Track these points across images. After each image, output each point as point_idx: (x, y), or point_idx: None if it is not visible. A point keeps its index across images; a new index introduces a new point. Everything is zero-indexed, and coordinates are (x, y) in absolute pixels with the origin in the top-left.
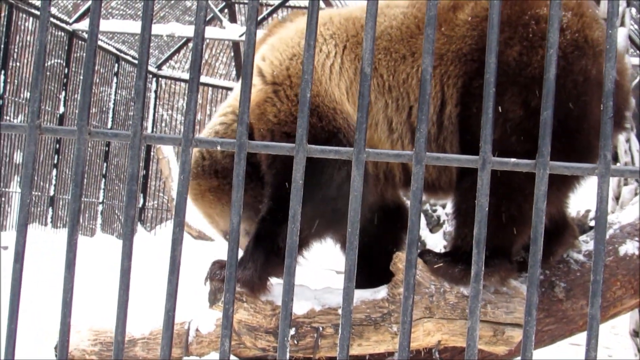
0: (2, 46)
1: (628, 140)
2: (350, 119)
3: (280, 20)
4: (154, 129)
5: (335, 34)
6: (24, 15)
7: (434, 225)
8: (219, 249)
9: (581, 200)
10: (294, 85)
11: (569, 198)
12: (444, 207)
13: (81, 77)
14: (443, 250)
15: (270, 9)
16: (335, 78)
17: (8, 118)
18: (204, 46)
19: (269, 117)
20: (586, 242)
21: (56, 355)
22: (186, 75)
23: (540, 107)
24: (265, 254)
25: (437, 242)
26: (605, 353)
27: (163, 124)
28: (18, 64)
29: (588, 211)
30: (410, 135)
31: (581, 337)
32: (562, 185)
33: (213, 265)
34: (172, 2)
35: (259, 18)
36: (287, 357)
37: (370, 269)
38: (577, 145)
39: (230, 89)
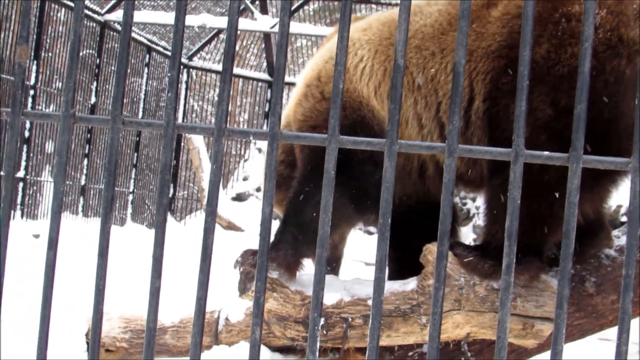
0: (35, 37)
1: None
2: (375, 111)
3: (333, 32)
4: (184, 120)
5: (371, 40)
6: (56, 6)
7: (464, 218)
8: (249, 240)
9: (613, 196)
10: (321, 84)
11: (603, 198)
12: (473, 200)
13: (112, 68)
14: (472, 243)
15: (302, 0)
16: (365, 79)
17: (40, 107)
18: (235, 37)
19: (298, 116)
20: (618, 237)
21: (87, 342)
22: (217, 67)
23: (570, 106)
24: (293, 236)
25: (466, 235)
26: (635, 349)
27: (194, 115)
28: (50, 54)
29: (620, 206)
30: (438, 130)
31: (611, 332)
32: (594, 183)
33: (244, 253)
34: None
35: (292, 9)
36: (318, 346)
37: (399, 260)
38: (606, 148)
39: (261, 80)
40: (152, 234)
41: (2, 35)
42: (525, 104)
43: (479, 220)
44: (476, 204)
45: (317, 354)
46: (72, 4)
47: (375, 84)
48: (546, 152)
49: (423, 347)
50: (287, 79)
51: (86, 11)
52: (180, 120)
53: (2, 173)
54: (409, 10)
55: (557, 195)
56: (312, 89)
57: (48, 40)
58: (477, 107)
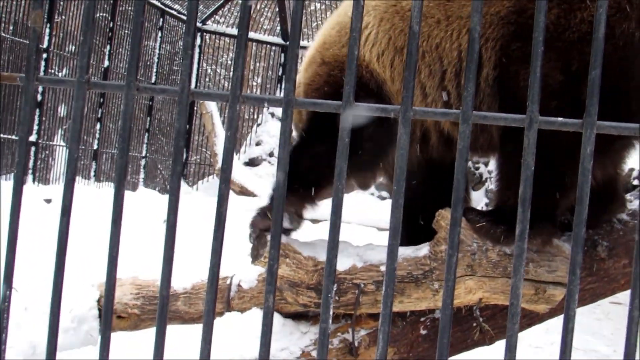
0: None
1: None
2: (375, 73)
3: None
4: (197, 84)
5: (377, 6)
6: None
7: (476, 182)
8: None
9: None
10: (323, 50)
11: (617, 164)
12: (486, 164)
13: (126, 31)
14: (485, 208)
15: None
16: (369, 45)
17: (53, 71)
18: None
19: (303, 79)
20: (630, 201)
21: (99, 309)
22: (230, 30)
23: (580, 72)
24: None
25: (479, 200)
26: None
27: (207, 79)
28: (63, 17)
29: (632, 170)
30: (442, 100)
31: (622, 296)
32: (607, 148)
33: (258, 213)
34: None
35: None
36: (331, 313)
37: (411, 226)
38: (615, 112)
39: (274, 44)
40: (164, 199)
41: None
42: (539, 70)
43: (491, 185)
44: (489, 169)
45: (330, 320)
46: None
47: (379, 51)
48: (560, 119)
49: (435, 313)
50: (301, 43)
51: None
52: (193, 84)
53: (15, 137)
54: None
55: (570, 161)
56: (316, 54)
57: (61, 3)
58: (487, 74)
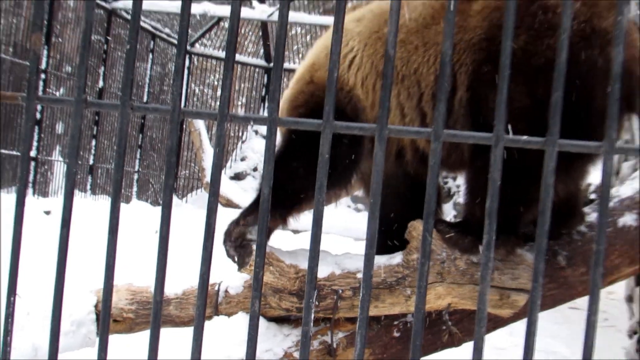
0: (46, 23)
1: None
2: (355, 98)
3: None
4: (187, 103)
5: (362, 32)
6: None
7: (445, 196)
8: None
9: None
10: (313, 70)
11: (577, 179)
12: (454, 179)
13: (119, 53)
14: (454, 220)
15: None
16: (354, 69)
17: (51, 90)
18: (237, 27)
19: (287, 96)
20: (588, 214)
21: (97, 313)
22: (217, 53)
23: (545, 95)
24: (248, 209)
25: (447, 212)
26: (602, 316)
27: (195, 99)
28: (60, 39)
29: (589, 185)
30: (419, 119)
31: (580, 301)
32: (569, 165)
33: (230, 226)
34: None
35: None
36: (312, 317)
37: (386, 236)
38: (578, 133)
39: (258, 66)
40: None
41: (14, 21)
42: (506, 92)
43: (460, 198)
44: (456, 183)
45: (312, 324)
46: None
47: (363, 76)
48: (525, 137)
49: (407, 317)
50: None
51: None
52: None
53: (16, 153)
54: (400, 3)
55: (533, 177)
56: (304, 74)
57: (58, 27)
58: (460, 97)
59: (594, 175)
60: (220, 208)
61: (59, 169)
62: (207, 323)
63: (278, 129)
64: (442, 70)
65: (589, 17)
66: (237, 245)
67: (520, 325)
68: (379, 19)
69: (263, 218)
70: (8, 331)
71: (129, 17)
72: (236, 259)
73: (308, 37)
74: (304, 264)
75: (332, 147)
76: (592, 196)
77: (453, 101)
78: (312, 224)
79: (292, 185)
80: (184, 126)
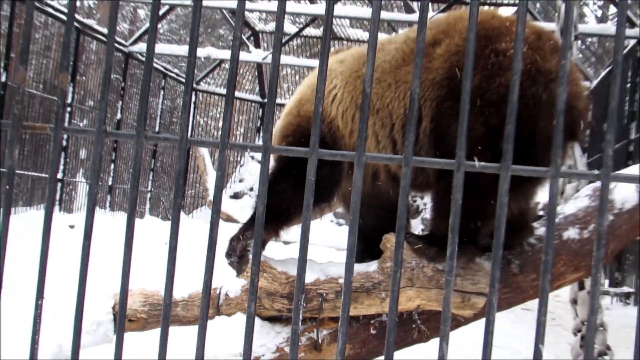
0: (72, 64)
1: (572, 147)
2: (334, 127)
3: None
4: (192, 133)
5: (344, 71)
6: (89, 39)
7: (414, 212)
8: None
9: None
10: (300, 105)
11: (528, 199)
12: (422, 198)
13: (135, 90)
14: (421, 233)
15: (287, 37)
16: (336, 103)
17: (75, 121)
18: (236, 68)
19: (277, 127)
20: (537, 228)
21: (114, 314)
22: (219, 90)
23: (498, 126)
24: (246, 224)
25: (416, 226)
26: (550, 317)
27: (200, 129)
28: (84, 77)
29: (537, 203)
30: (391, 146)
31: (531, 304)
32: (520, 186)
33: (231, 241)
34: (209, 30)
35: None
36: (300, 317)
37: (363, 247)
38: (527, 158)
39: (254, 101)
40: (166, 226)
41: (44, 62)
42: (466, 124)
43: (426, 214)
44: (424, 201)
45: (300, 323)
46: (104, 38)
47: (343, 109)
48: (482, 162)
49: (382, 316)
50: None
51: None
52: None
53: (45, 175)
54: (375, 49)
55: (490, 196)
56: (292, 108)
57: (82, 67)
58: (425, 127)
59: (542, 195)
60: (221, 223)
61: (82, 189)
62: (209, 322)
63: (271, 155)
64: (411, 105)
65: (535, 59)
66: (237, 256)
67: (480, 324)
68: (358, 61)
69: (258, 232)
70: (36, 331)
71: (143, 59)
72: (235, 267)
73: (297, 77)
74: (293, 271)
75: (317, 171)
76: (541, 213)
77: (419, 131)
78: (300, 237)
79: (283, 203)
80: (190, 152)
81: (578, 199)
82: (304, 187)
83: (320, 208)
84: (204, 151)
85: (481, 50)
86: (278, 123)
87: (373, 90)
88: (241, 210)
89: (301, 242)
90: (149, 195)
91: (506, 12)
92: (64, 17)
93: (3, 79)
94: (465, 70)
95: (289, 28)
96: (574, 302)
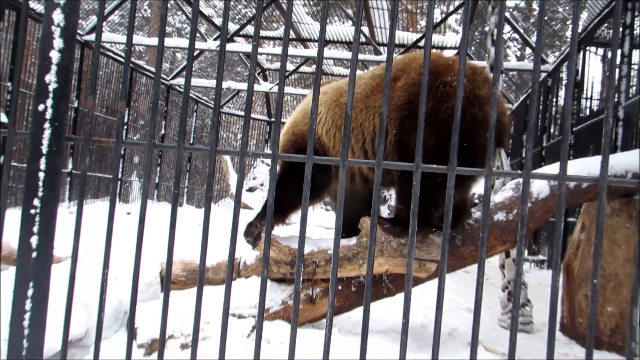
0: (127, 95)
1: (499, 152)
2: (322, 143)
3: (308, 94)
4: (218, 145)
5: (326, 101)
6: (139, 75)
7: (382, 201)
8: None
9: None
10: (293, 125)
11: (467, 190)
12: (388, 191)
13: (174, 113)
14: (388, 217)
15: (287, 73)
16: (321, 125)
17: (130, 136)
18: (252, 95)
19: (281, 143)
20: (474, 212)
21: (161, 278)
22: (238, 112)
23: (445, 138)
24: (260, 214)
25: (383, 211)
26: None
27: (223, 141)
28: (135, 103)
29: (474, 194)
30: (363, 155)
31: (470, 268)
32: (462, 182)
33: (248, 225)
34: (229, 68)
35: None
36: (301, 279)
37: (346, 227)
38: (469, 160)
39: (263, 120)
40: (199, 212)
41: (106, 92)
42: (422, 136)
43: (391, 202)
44: (389, 193)
45: (301, 283)
46: (151, 75)
47: (327, 129)
48: (435, 165)
49: (360, 278)
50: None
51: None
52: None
53: (108, 176)
54: (354, 82)
55: (440, 190)
56: (288, 129)
57: (135, 95)
58: (390, 139)
59: (477, 188)
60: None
61: (136, 185)
62: (232, 283)
63: (278, 161)
64: (381, 124)
65: (472, 88)
66: (253, 237)
67: (432, 283)
68: (337, 92)
69: (269, 216)
70: (103, 292)
71: (181, 89)
72: (251, 243)
73: (295, 102)
74: (294, 245)
75: (313, 175)
76: (476, 201)
77: (386, 142)
78: (300, 220)
79: (287, 199)
80: (216, 158)
81: (505, 191)
82: (303, 186)
83: (315, 200)
84: (227, 157)
85: (432, 82)
86: (280, 138)
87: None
88: (254, 200)
89: (301, 226)
90: (186, 189)
91: (448, 54)
92: (122, 60)
93: (75, 105)
94: (421, 97)
95: (288, 66)
96: (502, 266)
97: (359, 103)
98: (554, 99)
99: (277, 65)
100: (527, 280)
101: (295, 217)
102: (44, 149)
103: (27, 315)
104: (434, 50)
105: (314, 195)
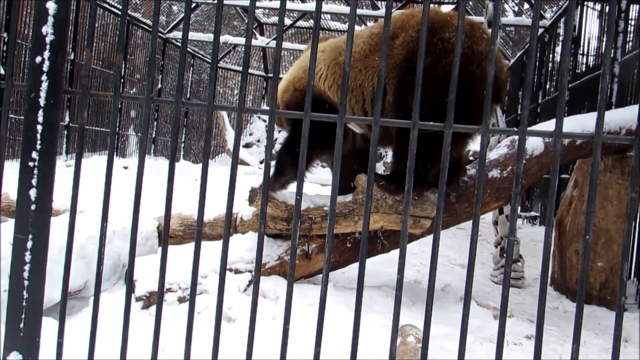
0: (123, 48)
1: (495, 109)
2: (326, 97)
3: (306, 49)
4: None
5: (326, 59)
6: (135, 27)
7: (378, 158)
8: (253, 169)
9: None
10: (294, 82)
11: (464, 147)
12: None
13: (170, 67)
14: (384, 174)
15: (286, 27)
16: (322, 80)
17: (126, 90)
18: (249, 50)
19: (285, 99)
20: (468, 170)
21: (159, 232)
22: (235, 67)
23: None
24: (277, 170)
25: (378, 168)
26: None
27: (219, 96)
28: (132, 57)
29: (469, 151)
30: (362, 115)
31: (464, 225)
32: (459, 139)
33: (251, 190)
34: (226, 22)
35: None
36: (298, 235)
37: (342, 183)
38: (466, 117)
39: (259, 75)
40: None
41: (102, 44)
42: (419, 94)
43: (387, 159)
44: (386, 150)
45: (297, 239)
46: (148, 27)
47: (328, 85)
48: (431, 122)
49: (355, 234)
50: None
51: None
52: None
53: (105, 130)
54: (352, 39)
55: (437, 147)
56: (290, 85)
57: (131, 48)
58: (389, 99)
59: (473, 145)
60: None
61: (132, 140)
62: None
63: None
64: (379, 80)
65: (470, 44)
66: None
67: (427, 240)
68: (335, 51)
69: (266, 174)
70: (102, 244)
71: (177, 43)
72: (249, 199)
73: (291, 57)
74: (291, 201)
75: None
76: (471, 158)
77: (385, 102)
78: (298, 177)
79: (296, 155)
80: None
81: (499, 148)
82: (314, 146)
83: (328, 155)
84: (223, 113)
85: (430, 39)
86: (281, 95)
87: (350, 72)
88: (251, 156)
89: (298, 183)
90: (182, 144)
91: (446, 9)
92: (118, 12)
93: (71, 57)
94: (419, 54)
95: (285, 21)
96: (495, 223)
97: (358, 63)
98: (551, 55)
99: (274, 19)
100: (519, 237)
101: (313, 171)
102: (42, 102)
103: (26, 267)
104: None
105: (326, 150)
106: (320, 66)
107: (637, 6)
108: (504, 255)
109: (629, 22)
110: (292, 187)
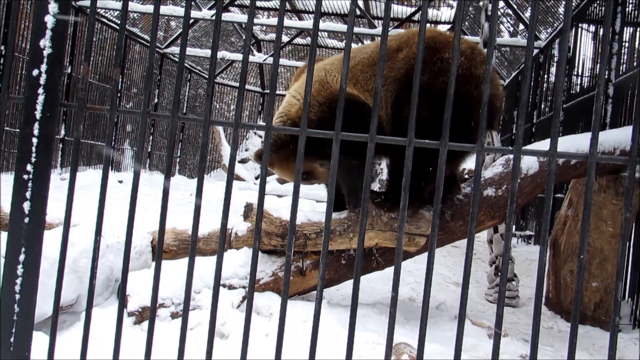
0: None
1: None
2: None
3: (303, 68)
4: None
5: (335, 70)
6: (133, 42)
7: (374, 175)
8: (248, 184)
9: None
10: (287, 108)
11: (458, 165)
12: (379, 164)
13: (168, 82)
14: (379, 191)
15: (284, 44)
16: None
17: (123, 104)
18: (246, 66)
19: (293, 114)
20: (463, 188)
21: (152, 246)
22: (231, 83)
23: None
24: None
25: (374, 186)
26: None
27: (216, 112)
28: (129, 71)
29: (464, 169)
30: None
31: (458, 243)
32: (453, 157)
33: (247, 205)
34: (223, 38)
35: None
36: (292, 252)
37: (338, 200)
38: (461, 137)
39: (256, 91)
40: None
41: (100, 58)
42: (415, 110)
43: (383, 177)
44: (381, 167)
45: (292, 255)
46: (145, 42)
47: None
48: (427, 140)
49: (350, 251)
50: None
51: (158, 48)
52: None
53: (101, 143)
54: (349, 55)
55: (432, 164)
56: (296, 102)
57: (128, 63)
58: (387, 111)
59: (468, 163)
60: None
61: (128, 154)
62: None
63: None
64: (375, 97)
65: (469, 66)
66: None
67: (421, 258)
68: (353, 60)
69: (261, 191)
70: (95, 258)
71: (176, 58)
72: (244, 216)
73: (288, 74)
74: (286, 217)
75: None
76: (466, 176)
77: (383, 114)
78: (293, 192)
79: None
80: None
81: (495, 167)
82: (297, 158)
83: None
84: (219, 128)
85: (430, 57)
86: (289, 107)
87: (360, 78)
88: (246, 171)
89: (293, 197)
90: (178, 159)
91: (442, 28)
92: (116, 26)
93: (69, 71)
94: (415, 71)
95: (282, 38)
96: (490, 241)
97: (368, 69)
98: (545, 76)
99: (271, 36)
100: (514, 255)
101: (287, 187)
102: (38, 115)
103: (18, 281)
104: (433, 28)
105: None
106: (333, 74)
107: (631, 28)
108: (499, 273)
109: (623, 44)
110: (287, 201)
